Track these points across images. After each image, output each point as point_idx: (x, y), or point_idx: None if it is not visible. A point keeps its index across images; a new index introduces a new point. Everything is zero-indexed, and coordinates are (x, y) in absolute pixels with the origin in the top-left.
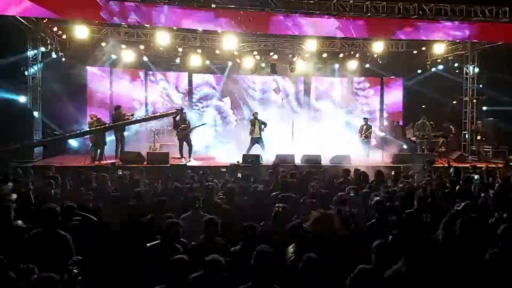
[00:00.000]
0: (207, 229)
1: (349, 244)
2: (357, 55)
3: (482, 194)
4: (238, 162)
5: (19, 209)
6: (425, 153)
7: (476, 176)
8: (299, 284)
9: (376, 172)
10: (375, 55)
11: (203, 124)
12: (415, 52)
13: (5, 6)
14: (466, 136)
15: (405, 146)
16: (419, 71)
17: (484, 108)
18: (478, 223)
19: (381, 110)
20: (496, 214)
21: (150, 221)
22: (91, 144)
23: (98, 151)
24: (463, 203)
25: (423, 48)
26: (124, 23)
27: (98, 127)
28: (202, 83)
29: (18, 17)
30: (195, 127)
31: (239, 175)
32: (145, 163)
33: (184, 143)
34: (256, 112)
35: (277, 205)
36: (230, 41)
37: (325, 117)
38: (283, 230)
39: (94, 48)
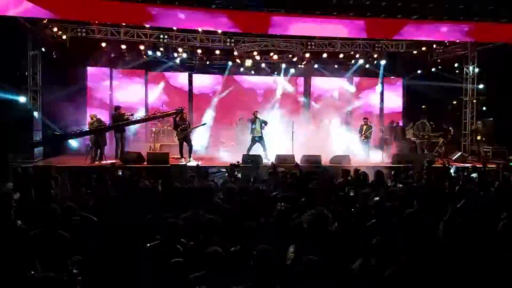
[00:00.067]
0: (207, 229)
1: (349, 244)
2: (357, 55)
3: (482, 193)
4: (238, 162)
5: (19, 209)
6: (425, 153)
7: (474, 175)
8: (299, 285)
9: (376, 172)
10: (375, 55)
11: (203, 124)
12: (415, 52)
13: (5, 7)
14: (466, 136)
15: (405, 147)
16: (419, 71)
17: (484, 108)
18: (478, 223)
19: (381, 110)
20: (496, 213)
21: (150, 221)
22: (91, 144)
23: (98, 151)
24: (462, 201)
25: (423, 48)
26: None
27: (98, 127)
28: (202, 83)
29: (18, 18)
30: (195, 127)
31: (239, 175)
32: (145, 163)
33: (184, 143)
34: (256, 111)
35: (278, 204)
36: (230, 41)
37: (325, 117)
38: (283, 230)
39: (94, 48)
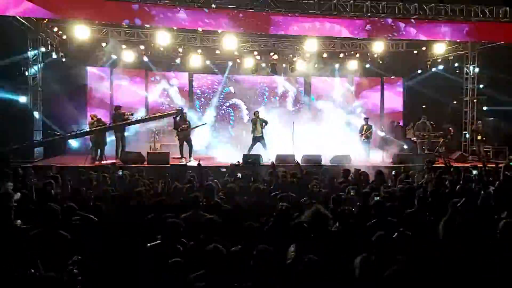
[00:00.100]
0: (207, 229)
1: (349, 244)
2: (357, 55)
3: (482, 192)
4: (238, 162)
5: (20, 209)
6: (426, 153)
7: (474, 171)
8: (299, 285)
9: (377, 172)
10: (375, 55)
11: (203, 124)
12: (415, 52)
13: (5, 7)
14: (467, 136)
15: (405, 146)
16: (419, 71)
17: (485, 108)
18: (478, 222)
19: (382, 110)
20: (496, 213)
21: (151, 221)
22: (91, 144)
23: (99, 151)
24: (462, 200)
25: (423, 48)
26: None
27: (99, 127)
28: (203, 83)
29: (19, 18)
30: (195, 127)
31: (239, 175)
32: (145, 163)
33: (185, 143)
34: (257, 111)
35: (280, 204)
36: (230, 41)
37: (326, 117)
38: (283, 230)
39: (94, 48)
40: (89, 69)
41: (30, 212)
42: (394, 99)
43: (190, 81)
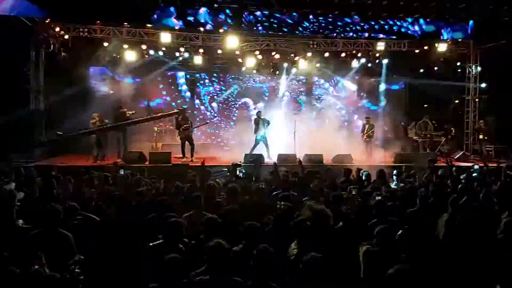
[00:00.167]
0: (208, 228)
1: (350, 243)
2: (359, 54)
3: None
4: (240, 162)
5: (22, 208)
6: (427, 153)
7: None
8: (301, 282)
9: (378, 171)
10: (378, 54)
11: (205, 123)
12: (417, 51)
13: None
14: (468, 135)
15: (407, 146)
16: (422, 70)
17: (487, 107)
18: (479, 222)
19: (383, 109)
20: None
21: (152, 221)
22: (93, 144)
23: (101, 150)
24: (463, 200)
25: (425, 47)
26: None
27: (101, 127)
28: (204, 82)
29: (21, 17)
30: (197, 126)
31: (241, 174)
32: (147, 162)
33: (187, 142)
34: (259, 111)
35: (282, 203)
36: (232, 41)
37: (327, 117)
38: (285, 229)
39: (97, 48)
40: (91, 68)
41: (32, 211)
42: (396, 98)
43: (192, 81)
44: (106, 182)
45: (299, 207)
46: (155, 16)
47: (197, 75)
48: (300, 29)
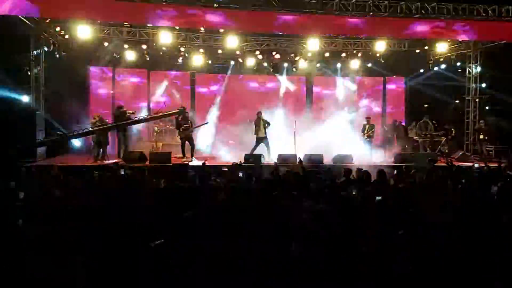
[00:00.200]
0: (208, 228)
1: (351, 243)
2: (360, 54)
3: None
4: (240, 162)
5: (23, 208)
6: (428, 153)
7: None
8: (301, 282)
9: (379, 171)
10: (378, 54)
11: (205, 123)
12: (417, 51)
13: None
14: (469, 135)
15: (407, 146)
16: (422, 70)
17: (487, 107)
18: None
19: (384, 109)
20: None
21: (153, 221)
22: (93, 144)
23: (101, 150)
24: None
25: (426, 47)
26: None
27: (101, 127)
28: (205, 82)
29: (21, 17)
30: (197, 126)
31: (241, 174)
32: (147, 162)
33: (187, 142)
34: (260, 112)
35: (281, 203)
36: (232, 41)
37: (328, 117)
38: (284, 229)
39: (97, 47)
40: (92, 68)
41: (32, 211)
42: (396, 98)
43: (192, 81)
44: (106, 182)
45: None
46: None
47: (197, 75)
48: None
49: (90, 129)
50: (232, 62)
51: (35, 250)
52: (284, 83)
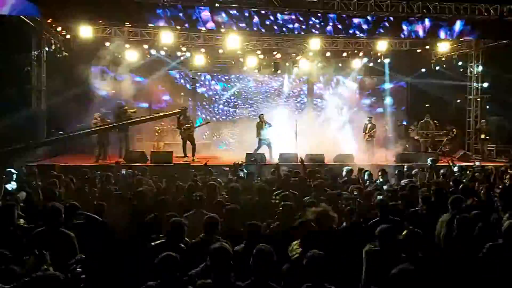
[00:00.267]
0: (209, 227)
1: (351, 242)
2: (361, 54)
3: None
4: (241, 162)
5: (24, 208)
6: (429, 152)
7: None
8: (302, 282)
9: (380, 171)
10: (379, 54)
11: (206, 123)
12: (419, 50)
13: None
14: (470, 134)
15: (408, 145)
16: (423, 69)
17: (488, 106)
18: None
19: (385, 109)
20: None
21: (154, 221)
22: (95, 144)
23: (102, 150)
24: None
25: (427, 47)
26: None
27: (102, 127)
28: (206, 82)
29: (22, 17)
30: (198, 125)
31: (242, 174)
32: (148, 162)
33: (188, 142)
34: (261, 114)
35: (282, 203)
36: (233, 40)
37: (329, 116)
38: (286, 228)
39: (98, 47)
40: (93, 68)
41: (34, 211)
42: (398, 98)
43: (194, 80)
44: (108, 182)
45: (301, 207)
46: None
47: (199, 74)
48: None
49: (92, 129)
50: (233, 62)
51: (35, 250)
52: (285, 82)
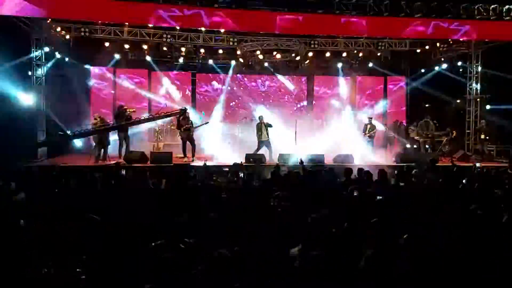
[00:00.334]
0: (209, 228)
1: (352, 242)
2: (361, 54)
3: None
4: (241, 162)
5: (23, 208)
6: (429, 153)
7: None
8: (301, 282)
9: (380, 171)
10: (379, 54)
11: (206, 123)
12: (418, 50)
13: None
14: (470, 135)
15: (408, 146)
16: (423, 70)
17: (488, 107)
18: (480, 222)
19: (385, 109)
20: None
21: (153, 221)
22: (94, 144)
23: (102, 150)
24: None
25: (427, 47)
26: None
27: (102, 127)
28: (205, 82)
29: (22, 18)
30: (198, 126)
31: (241, 174)
32: (148, 162)
33: (188, 142)
34: (261, 116)
35: (282, 203)
36: (233, 40)
37: (329, 117)
38: (285, 229)
39: (98, 48)
40: (93, 69)
41: (33, 211)
42: (397, 98)
43: (193, 81)
44: (107, 182)
45: (301, 207)
46: None
47: (198, 74)
48: None
49: (92, 129)
50: (233, 62)
51: (35, 250)
52: (285, 83)
